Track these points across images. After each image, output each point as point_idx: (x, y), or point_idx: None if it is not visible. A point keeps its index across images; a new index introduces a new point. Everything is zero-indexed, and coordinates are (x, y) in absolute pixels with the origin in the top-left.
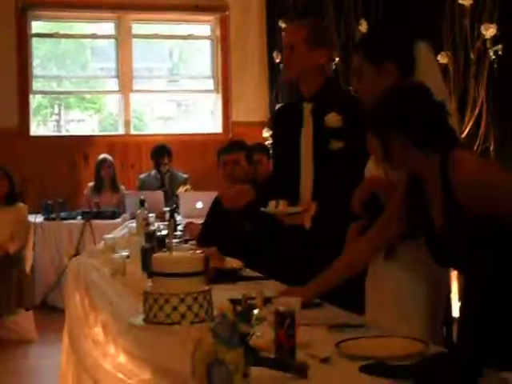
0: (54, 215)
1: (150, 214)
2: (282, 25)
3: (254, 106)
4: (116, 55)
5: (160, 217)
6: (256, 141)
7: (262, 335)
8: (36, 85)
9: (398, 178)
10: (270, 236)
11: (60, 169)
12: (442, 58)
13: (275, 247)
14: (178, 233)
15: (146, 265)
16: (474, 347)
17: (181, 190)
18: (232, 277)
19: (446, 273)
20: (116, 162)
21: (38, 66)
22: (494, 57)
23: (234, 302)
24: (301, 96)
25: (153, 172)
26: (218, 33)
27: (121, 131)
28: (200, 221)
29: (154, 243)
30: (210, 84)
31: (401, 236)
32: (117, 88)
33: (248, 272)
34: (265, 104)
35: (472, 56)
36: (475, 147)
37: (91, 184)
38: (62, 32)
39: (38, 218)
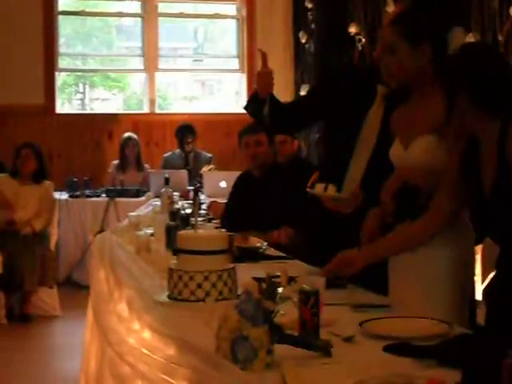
0: (78, 193)
1: (174, 193)
2: (309, 5)
3: (279, 86)
4: (142, 34)
5: (184, 195)
6: None
7: (286, 313)
8: (61, 63)
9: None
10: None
11: (85, 146)
12: (471, 40)
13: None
14: (202, 211)
15: (171, 242)
16: (501, 327)
17: (205, 169)
18: (256, 256)
19: (472, 254)
20: (140, 140)
21: (63, 44)
22: None
23: (258, 280)
24: (376, 76)
25: (177, 151)
26: (243, 12)
27: (145, 110)
28: (223, 200)
29: (178, 221)
30: (235, 63)
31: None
32: (142, 67)
33: (272, 251)
34: (290, 84)
35: (500, 38)
36: None
37: (115, 162)
38: (88, 10)
39: (63, 196)
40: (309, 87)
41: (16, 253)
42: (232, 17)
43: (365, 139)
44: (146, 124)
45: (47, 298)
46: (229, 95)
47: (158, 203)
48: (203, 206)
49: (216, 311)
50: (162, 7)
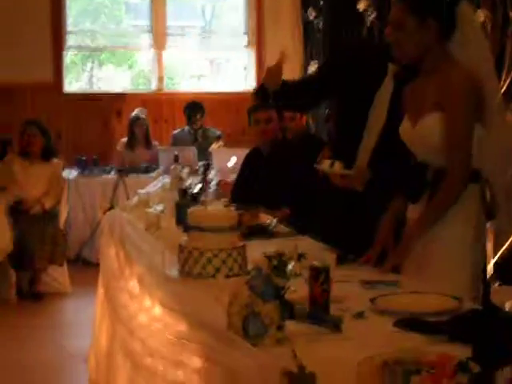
0: (87, 171)
1: (184, 170)
2: None
3: (288, 63)
4: (150, 11)
5: (193, 173)
6: None
7: (297, 290)
8: (69, 41)
9: None
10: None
11: (93, 124)
12: (480, 16)
13: (316, 204)
14: (211, 189)
15: (180, 219)
16: None
17: (214, 146)
18: (266, 233)
19: (483, 230)
20: (149, 118)
21: (71, 21)
22: None
23: (268, 257)
24: (388, 54)
25: (186, 128)
26: None
27: (153, 88)
28: (233, 177)
29: (187, 198)
30: (243, 41)
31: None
32: (150, 44)
33: (282, 228)
34: (299, 61)
35: (511, 14)
36: None
37: (124, 140)
38: None
39: (72, 174)
40: (318, 64)
41: (26, 231)
42: None
43: (375, 117)
44: (154, 102)
45: (57, 275)
46: (237, 72)
47: (167, 180)
48: (212, 183)
49: (226, 287)
50: None
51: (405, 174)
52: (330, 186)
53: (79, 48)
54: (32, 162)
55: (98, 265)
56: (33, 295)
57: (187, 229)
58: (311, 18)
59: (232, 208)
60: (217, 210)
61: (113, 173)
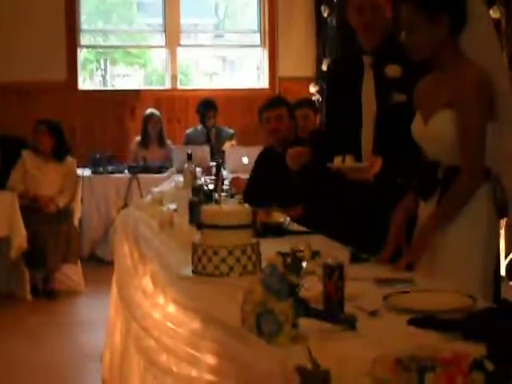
0: (101, 169)
1: (197, 169)
2: None
3: (301, 61)
4: (163, 10)
5: (206, 171)
6: (302, 96)
7: (311, 288)
8: (83, 39)
9: None
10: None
11: (107, 123)
12: (495, 13)
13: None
14: (225, 187)
15: (194, 218)
16: None
17: (227, 145)
18: (279, 231)
19: (495, 229)
20: (162, 116)
21: (84, 20)
22: None
23: (282, 254)
24: (359, 49)
25: (199, 127)
26: None
27: (167, 86)
28: (246, 175)
29: (201, 197)
30: (256, 39)
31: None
32: (163, 43)
33: (295, 226)
34: (312, 59)
35: None
36: None
37: (138, 138)
38: None
39: (86, 172)
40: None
41: (40, 230)
42: None
43: (366, 108)
44: (167, 100)
45: (71, 273)
46: (250, 71)
47: (181, 179)
48: (225, 182)
49: (240, 285)
50: None
51: (416, 172)
52: (345, 183)
53: (93, 47)
54: (46, 160)
55: (111, 263)
56: (47, 293)
57: (201, 227)
58: (325, 14)
59: (246, 206)
60: (231, 207)
61: (126, 171)
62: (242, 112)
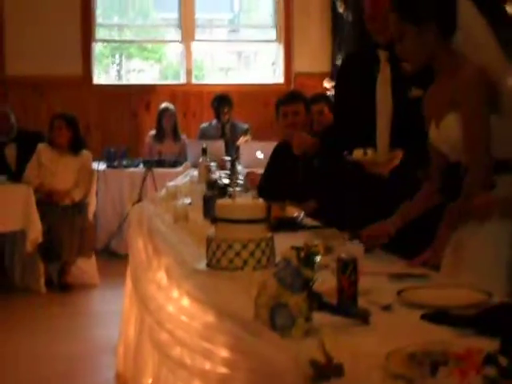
0: (116, 163)
1: (212, 163)
2: None
3: (316, 57)
4: (178, 4)
5: (221, 166)
6: (317, 91)
7: (324, 282)
8: (98, 34)
9: None
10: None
11: (122, 117)
12: (511, 8)
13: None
14: (239, 182)
15: (208, 212)
16: None
17: (241, 140)
18: (293, 225)
19: None
20: (177, 110)
21: (100, 15)
22: None
23: (296, 248)
24: (374, 44)
25: (214, 121)
26: None
27: (182, 80)
28: (260, 170)
29: (215, 191)
30: (271, 34)
31: None
32: (179, 37)
33: (308, 221)
34: (327, 54)
35: None
36: None
37: (153, 132)
38: None
39: (101, 166)
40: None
41: (55, 223)
42: None
43: (381, 103)
44: (182, 94)
45: (86, 266)
46: (265, 66)
47: (195, 173)
48: (240, 177)
49: (254, 279)
50: None
51: (442, 174)
52: (363, 176)
53: (109, 41)
54: (61, 154)
55: (126, 256)
56: (62, 286)
57: (215, 221)
58: (340, 10)
59: (260, 200)
60: (245, 201)
61: (141, 165)
62: (257, 107)
